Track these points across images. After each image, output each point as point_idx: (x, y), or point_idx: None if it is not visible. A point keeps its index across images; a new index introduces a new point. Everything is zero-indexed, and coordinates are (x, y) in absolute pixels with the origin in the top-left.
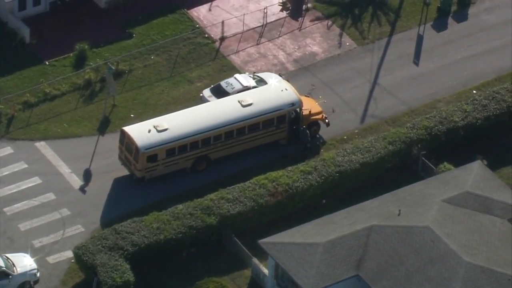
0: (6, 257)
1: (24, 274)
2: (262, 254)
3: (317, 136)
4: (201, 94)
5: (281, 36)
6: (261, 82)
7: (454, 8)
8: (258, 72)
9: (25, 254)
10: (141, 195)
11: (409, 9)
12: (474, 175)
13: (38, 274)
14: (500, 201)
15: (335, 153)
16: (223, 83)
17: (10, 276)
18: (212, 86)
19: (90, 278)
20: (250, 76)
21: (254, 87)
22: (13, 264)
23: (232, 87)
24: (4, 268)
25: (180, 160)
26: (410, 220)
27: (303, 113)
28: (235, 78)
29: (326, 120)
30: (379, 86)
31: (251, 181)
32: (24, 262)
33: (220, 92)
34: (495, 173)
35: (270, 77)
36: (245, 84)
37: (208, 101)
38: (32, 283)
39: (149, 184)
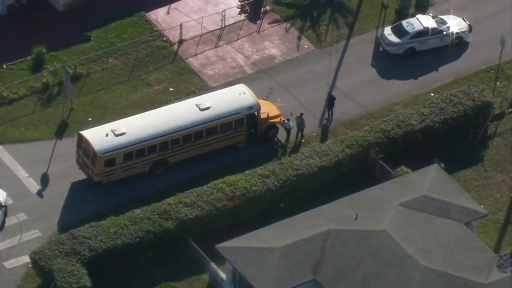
0: None
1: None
2: (220, 259)
3: (275, 139)
4: (382, 32)
5: (239, 39)
6: (442, 24)
7: (412, 10)
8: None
9: None
10: (99, 200)
11: (367, 11)
12: (431, 179)
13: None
14: (457, 205)
15: (293, 157)
16: (404, 23)
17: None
18: (393, 24)
19: (47, 284)
20: (431, 17)
21: (433, 28)
22: None
23: (412, 27)
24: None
25: (138, 164)
26: (367, 224)
27: (261, 117)
28: (417, 18)
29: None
30: (337, 89)
31: (208, 185)
32: None
33: (400, 32)
34: (452, 176)
35: (449, 19)
36: (425, 25)
37: (388, 39)
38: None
39: (107, 189)
